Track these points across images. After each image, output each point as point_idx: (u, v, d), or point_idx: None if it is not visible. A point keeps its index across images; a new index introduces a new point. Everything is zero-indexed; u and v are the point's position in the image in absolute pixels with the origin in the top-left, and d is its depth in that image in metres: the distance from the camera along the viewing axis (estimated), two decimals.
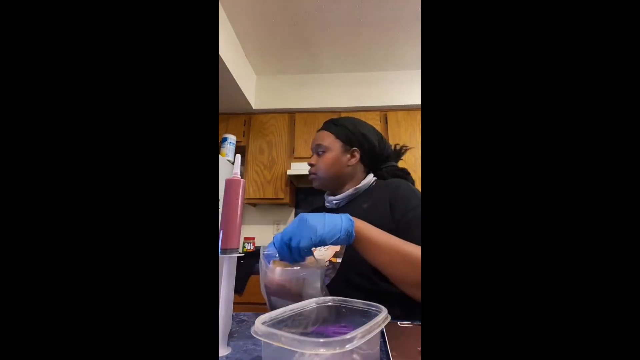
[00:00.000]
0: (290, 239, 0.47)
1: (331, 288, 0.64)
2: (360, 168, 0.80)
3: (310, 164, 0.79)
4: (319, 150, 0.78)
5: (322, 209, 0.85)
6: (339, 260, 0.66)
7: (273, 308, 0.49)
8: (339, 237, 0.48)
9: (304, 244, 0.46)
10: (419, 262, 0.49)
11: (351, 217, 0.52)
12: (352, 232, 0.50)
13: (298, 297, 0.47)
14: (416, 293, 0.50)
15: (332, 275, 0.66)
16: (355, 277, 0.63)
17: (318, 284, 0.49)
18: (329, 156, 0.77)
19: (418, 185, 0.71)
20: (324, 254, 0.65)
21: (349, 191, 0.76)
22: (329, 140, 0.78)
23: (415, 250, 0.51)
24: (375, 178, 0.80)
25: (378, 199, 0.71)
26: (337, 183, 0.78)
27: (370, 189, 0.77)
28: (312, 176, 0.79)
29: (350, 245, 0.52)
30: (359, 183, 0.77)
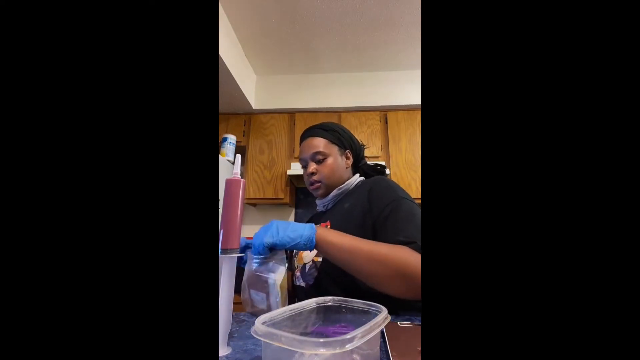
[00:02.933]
0: (254, 238, 0.52)
1: (317, 286, 0.65)
2: (349, 170, 0.81)
3: (311, 173, 0.77)
4: (317, 157, 0.77)
5: (317, 213, 0.87)
6: (320, 259, 0.67)
7: (252, 302, 0.50)
8: (298, 242, 0.51)
9: (257, 241, 0.51)
10: (382, 258, 0.51)
11: (314, 226, 0.54)
12: (312, 238, 0.53)
13: (265, 284, 0.51)
14: (385, 290, 0.52)
15: (315, 274, 0.66)
16: (338, 275, 0.63)
17: (279, 273, 0.52)
18: (330, 162, 0.76)
19: (417, 185, 0.71)
20: (308, 254, 0.70)
21: (332, 193, 0.77)
22: (326, 146, 0.77)
23: (376, 247, 0.53)
24: (361, 178, 0.81)
25: (358, 197, 0.71)
26: (335, 186, 0.77)
27: (354, 188, 0.77)
28: (317, 184, 0.77)
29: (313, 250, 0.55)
30: (344, 183, 0.78)
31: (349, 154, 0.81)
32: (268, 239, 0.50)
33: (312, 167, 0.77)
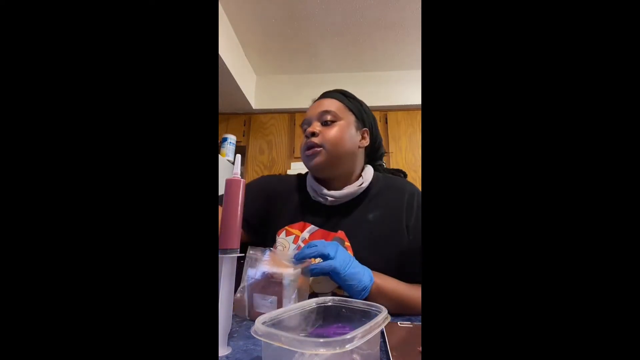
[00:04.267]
0: (324, 254, 0.46)
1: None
2: (361, 158, 0.64)
3: (311, 133, 0.57)
4: (325, 118, 0.58)
5: (313, 204, 0.62)
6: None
7: (254, 306, 0.48)
8: (351, 285, 0.46)
9: (335, 265, 0.45)
10: None
11: (373, 277, 0.49)
12: (368, 289, 0.48)
13: (279, 285, 0.48)
14: None
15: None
16: None
17: (295, 273, 0.49)
18: (341, 126, 0.58)
19: (417, 185, 0.63)
20: (325, 284, 0.58)
21: (350, 189, 0.58)
22: (340, 109, 0.60)
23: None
24: (378, 173, 0.67)
25: (388, 208, 0.58)
26: (339, 167, 0.59)
27: (376, 192, 0.62)
28: (315, 149, 0.57)
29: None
30: (358, 178, 0.61)
31: (365, 134, 0.63)
32: (336, 264, 0.45)
33: (315, 126, 0.58)
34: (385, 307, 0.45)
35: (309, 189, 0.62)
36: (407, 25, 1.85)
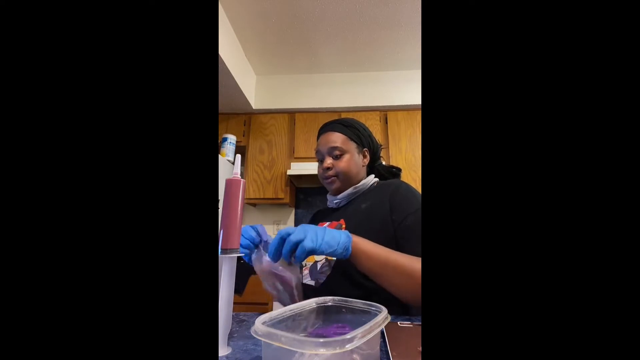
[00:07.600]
0: (296, 242, 0.49)
1: (329, 285, 0.65)
2: (364, 170, 0.81)
3: (326, 168, 0.76)
4: (334, 152, 0.76)
5: (325, 210, 0.86)
6: (334, 257, 0.67)
7: (275, 293, 0.53)
8: (335, 250, 0.50)
9: (308, 245, 0.48)
10: (414, 273, 0.51)
11: (350, 234, 0.54)
12: (349, 247, 0.52)
13: (288, 284, 0.53)
14: (411, 301, 0.53)
15: (328, 272, 0.66)
16: (355, 274, 0.64)
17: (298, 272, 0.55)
18: (348, 158, 0.76)
19: (417, 185, 0.70)
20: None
21: (348, 190, 0.77)
22: (344, 142, 0.77)
23: (409, 261, 0.53)
24: (376, 179, 0.81)
25: (377, 199, 0.71)
26: (349, 184, 0.77)
27: (370, 189, 0.77)
28: (331, 179, 0.76)
29: (347, 259, 0.54)
30: (359, 183, 0.78)
31: (366, 153, 0.81)
32: (308, 244, 0.48)
33: (329, 161, 0.76)
34: (370, 267, 0.53)
35: (327, 201, 0.85)
36: (407, 25, 1.85)
